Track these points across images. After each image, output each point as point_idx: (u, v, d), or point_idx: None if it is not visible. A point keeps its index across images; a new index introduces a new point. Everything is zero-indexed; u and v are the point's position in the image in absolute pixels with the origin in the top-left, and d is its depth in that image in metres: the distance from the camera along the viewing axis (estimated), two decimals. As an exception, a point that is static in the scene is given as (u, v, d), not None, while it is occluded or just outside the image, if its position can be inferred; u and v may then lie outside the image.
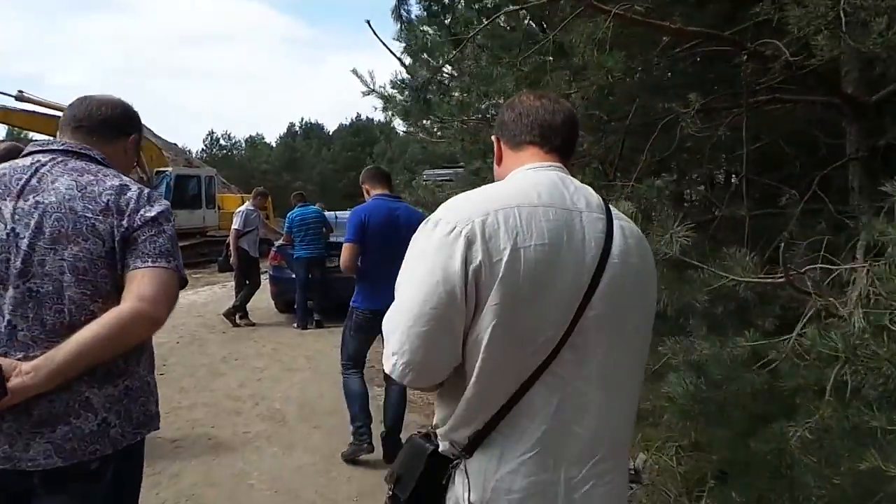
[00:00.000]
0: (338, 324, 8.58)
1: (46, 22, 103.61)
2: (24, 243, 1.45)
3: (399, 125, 11.60)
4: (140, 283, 1.48)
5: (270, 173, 47.93)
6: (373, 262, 3.76)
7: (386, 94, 7.83)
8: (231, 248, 8.45)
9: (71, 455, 1.45)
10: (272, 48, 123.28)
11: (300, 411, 5.02)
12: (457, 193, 1.42)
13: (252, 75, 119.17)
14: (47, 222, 1.46)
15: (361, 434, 3.88)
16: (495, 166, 1.47)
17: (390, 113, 9.49)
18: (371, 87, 7.68)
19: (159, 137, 24.32)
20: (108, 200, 1.51)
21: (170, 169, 17.67)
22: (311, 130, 62.43)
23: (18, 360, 1.41)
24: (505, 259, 1.12)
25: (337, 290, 8.63)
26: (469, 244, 1.12)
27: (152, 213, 1.54)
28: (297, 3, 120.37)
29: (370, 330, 3.87)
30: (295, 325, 8.37)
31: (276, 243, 9.17)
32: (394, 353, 1.17)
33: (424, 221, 1.24)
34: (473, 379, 1.16)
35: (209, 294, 11.32)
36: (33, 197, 1.49)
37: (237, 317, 8.50)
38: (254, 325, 8.53)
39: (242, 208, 8.63)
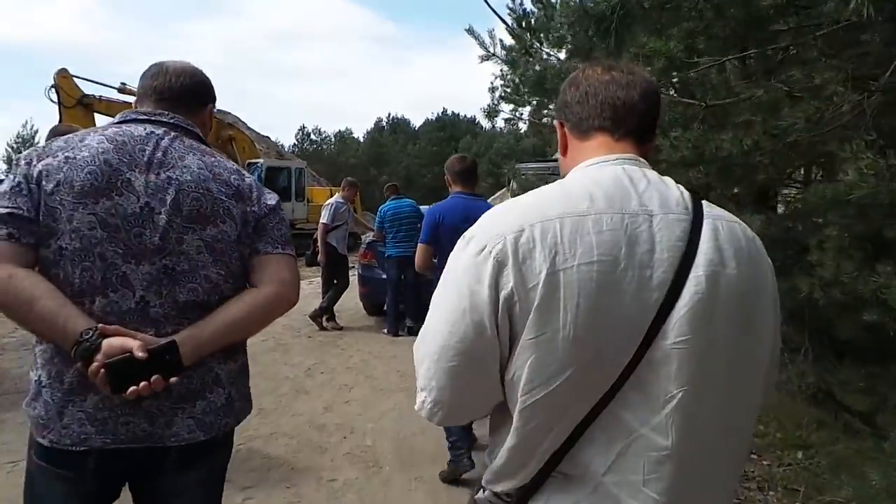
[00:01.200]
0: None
1: (156, 26, 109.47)
2: (161, 219, 1.39)
3: (504, 110, 10.46)
4: (278, 267, 1.50)
5: (358, 167, 48.06)
6: (445, 262, 2.94)
7: (510, 56, 6.71)
8: (318, 243, 7.63)
9: (210, 428, 1.46)
10: (359, 45, 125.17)
11: (397, 453, 4.02)
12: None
13: (341, 71, 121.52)
14: (185, 200, 1.42)
15: (458, 449, 3.50)
16: (560, 158, 1.20)
17: (513, 79, 8.31)
18: (490, 50, 6.61)
19: (252, 130, 24.35)
20: (238, 184, 1.50)
21: (261, 160, 17.45)
22: (398, 125, 62.59)
23: (151, 335, 1.37)
24: (541, 284, 0.92)
25: (431, 294, 7.65)
26: (499, 267, 0.94)
27: (274, 202, 1.56)
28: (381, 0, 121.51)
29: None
30: (385, 330, 7.46)
31: (366, 239, 8.29)
32: (421, 388, 1.03)
33: (464, 234, 1.03)
34: (515, 426, 0.97)
35: (296, 291, 10.66)
36: (164, 172, 1.42)
37: (324, 319, 7.69)
38: (341, 328, 7.69)
39: (331, 201, 7.78)
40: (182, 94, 1.56)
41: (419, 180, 51.63)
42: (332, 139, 59.30)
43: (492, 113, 8.86)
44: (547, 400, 0.94)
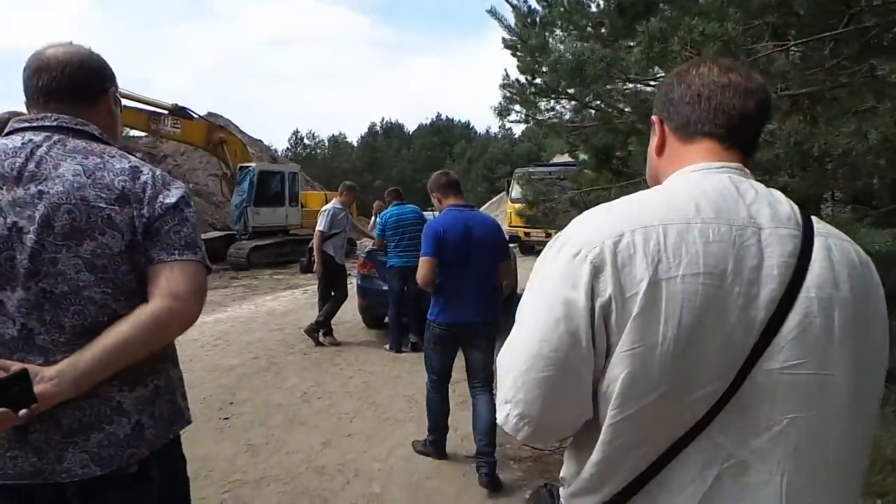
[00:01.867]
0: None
1: (151, 30, 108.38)
2: (29, 239, 1.26)
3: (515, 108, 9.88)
4: (170, 278, 1.32)
5: (352, 172, 47.44)
6: (449, 275, 3.57)
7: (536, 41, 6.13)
8: (315, 252, 7.00)
9: (109, 462, 1.32)
10: (353, 49, 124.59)
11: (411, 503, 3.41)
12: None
13: (334, 76, 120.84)
14: (56, 215, 1.26)
15: (436, 443, 3.96)
16: (651, 156, 1.11)
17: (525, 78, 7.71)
18: (510, 37, 6.04)
19: (245, 133, 23.69)
20: (123, 186, 1.32)
21: (253, 164, 16.79)
22: (392, 130, 62.19)
23: (39, 365, 1.25)
24: (641, 294, 0.86)
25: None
26: (596, 273, 0.89)
27: (173, 199, 1.35)
28: (377, 5, 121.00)
29: (451, 342, 3.73)
30: (387, 346, 6.84)
31: (366, 248, 7.68)
32: (506, 400, 0.95)
33: (552, 240, 0.98)
34: (601, 440, 0.92)
35: (290, 301, 10.01)
36: (35, 185, 1.28)
37: (320, 334, 7.06)
38: (339, 344, 7.06)
39: (328, 206, 7.16)
40: (72, 89, 1.38)
41: (413, 185, 51.06)
42: (326, 143, 58.75)
43: (504, 111, 8.33)
44: (638, 416, 0.89)
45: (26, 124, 1.36)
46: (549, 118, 10.19)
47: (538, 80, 9.56)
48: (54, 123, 1.36)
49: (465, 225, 3.58)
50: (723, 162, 1.01)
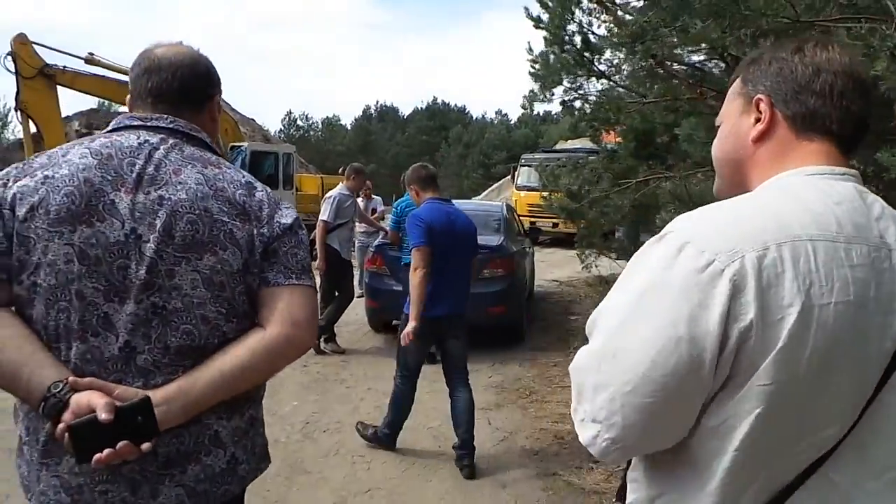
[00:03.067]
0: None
1: (139, 6, 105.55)
2: (149, 248, 1.16)
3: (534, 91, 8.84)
4: (290, 303, 1.24)
5: (346, 155, 46.17)
6: (436, 268, 3.50)
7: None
8: (317, 246, 5.96)
9: (204, 499, 1.23)
10: (347, 31, 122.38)
11: None
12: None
13: (328, 58, 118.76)
14: (178, 225, 1.17)
15: (389, 438, 3.83)
16: (739, 141, 0.94)
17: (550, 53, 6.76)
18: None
19: (236, 112, 22.44)
20: (244, 202, 1.23)
21: (245, 144, 15.69)
22: (386, 113, 60.84)
23: (137, 388, 1.14)
24: (790, 321, 0.74)
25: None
26: (736, 292, 0.75)
27: (289, 220, 1.28)
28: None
29: (431, 336, 3.70)
30: (399, 356, 5.84)
31: (376, 242, 6.63)
32: (595, 420, 0.83)
33: (658, 237, 0.83)
34: (716, 481, 0.79)
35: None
36: (155, 190, 1.18)
37: (321, 340, 6.04)
38: (343, 351, 6.05)
39: (333, 193, 6.09)
40: (183, 93, 1.29)
41: (405, 171, 49.89)
42: (320, 125, 57.28)
43: (534, 97, 7.43)
44: (761, 455, 0.79)
45: (139, 122, 1.26)
46: (573, 98, 9.17)
47: (566, 53, 8.49)
48: (170, 126, 1.26)
49: (448, 218, 3.60)
50: (843, 168, 0.88)
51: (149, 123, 1.25)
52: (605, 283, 9.92)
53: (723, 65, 4.95)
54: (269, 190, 1.32)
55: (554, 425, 4.22)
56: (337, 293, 6.09)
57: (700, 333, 0.75)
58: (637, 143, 6.89)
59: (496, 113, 64.27)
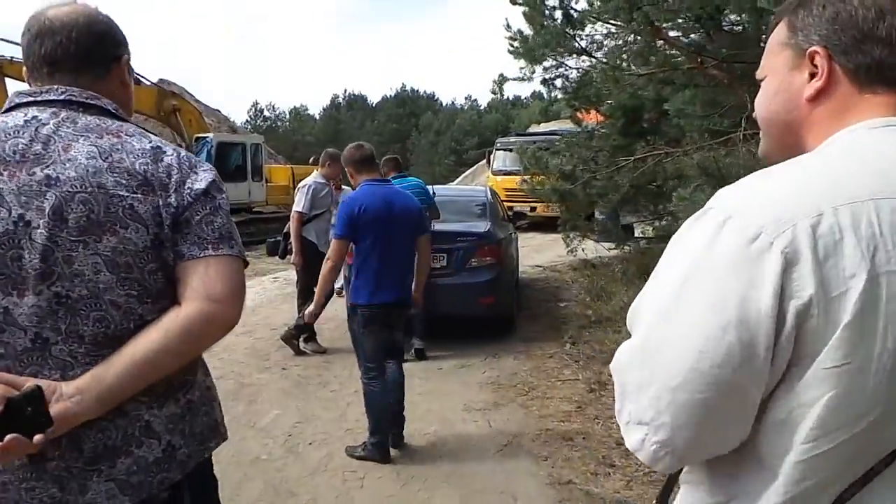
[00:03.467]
0: (447, 352, 5.78)
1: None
2: (40, 235, 1.07)
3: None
4: (205, 277, 1.14)
5: (315, 145, 45.25)
6: (377, 253, 3.41)
7: None
8: (292, 238, 5.51)
9: (138, 490, 1.16)
10: (313, 18, 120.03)
11: None
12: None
13: (293, 46, 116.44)
14: (70, 206, 1.07)
15: (380, 445, 3.43)
16: (791, 102, 0.82)
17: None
18: None
19: (200, 103, 21.57)
20: (146, 171, 1.12)
21: (211, 135, 15.01)
22: (355, 102, 59.91)
23: (55, 380, 1.08)
24: (856, 294, 0.65)
25: (445, 301, 5.73)
26: (788, 266, 0.66)
27: (203, 185, 1.16)
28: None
29: (384, 321, 3.49)
30: (385, 354, 5.44)
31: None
32: (642, 422, 0.74)
33: (698, 213, 0.75)
34: (788, 480, 0.70)
35: (258, 292, 8.41)
36: (41, 170, 1.09)
37: (300, 340, 5.61)
38: (324, 351, 5.63)
39: (308, 181, 5.63)
40: (80, 57, 1.16)
41: (379, 158, 49.23)
42: (287, 115, 56.13)
43: (503, 80, 7.17)
44: (838, 449, 0.69)
45: (28, 98, 1.15)
46: (554, 77, 8.79)
47: (545, 30, 8.12)
48: (62, 97, 1.15)
49: (385, 200, 3.46)
50: None
51: (38, 98, 1.14)
52: (591, 267, 9.67)
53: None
54: (182, 153, 1.19)
55: (560, 425, 3.89)
56: (314, 289, 5.65)
57: (752, 316, 0.67)
58: (626, 120, 6.57)
59: (466, 99, 63.77)
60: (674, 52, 4.94)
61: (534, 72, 8.67)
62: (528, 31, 8.29)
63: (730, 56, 4.28)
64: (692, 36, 5.46)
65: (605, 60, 8.29)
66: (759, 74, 0.88)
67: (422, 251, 3.68)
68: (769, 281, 0.66)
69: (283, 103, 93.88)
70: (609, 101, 8.17)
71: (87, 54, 1.17)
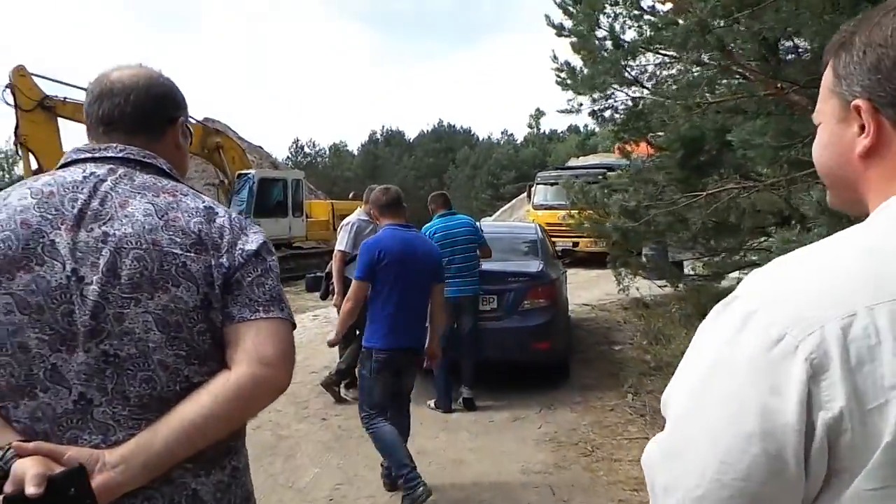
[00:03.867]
0: (498, 401, 5.36)
1: (133, 38, 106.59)
2: (92, 291, 1.05)
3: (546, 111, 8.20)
4: (256, 340, 1.12)
5: (354, 180, 45.77)
6: (392, 298, 3.38)
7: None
8: (334, 278, 5.21)
9: None
10: (350, 56, 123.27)
11: None
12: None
13: (333, 83, 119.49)
14: (123, 262, 1.07)
15: (413, 479, 3.21)
16: (843, 157, 0.73)
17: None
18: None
19: (243, 139, 21.91)
20: (200, 230, 1.12)
21: (253, 171, 15.07)
22: (392, 138, 60.61)
23: (94, 446, 1.03)
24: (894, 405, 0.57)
25: (496, 346, 5.33)
26: (816, 373, 0.59)
27: (254, 246, 1.16)
28: (369, 12, 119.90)
29: (394, 367, 3.47)
30: (431, 403, 5.04)
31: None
32: None
33: (726, 301, 0.69)
34: None
35: (297, 332, 8.12)
36: (99, 227, 1.08)
37: (342, 386, 5.27)
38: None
39: (352, 219, 5.36)
40: (138, 119, 1.19)
41: (416, 192, 49.53)
42: (327, 151, 57.14)
43: (539, 115, 6.70)
44: None
45: (87, 154, 1.17)
46: (603, 108, 8.45)
47: (601, 52, 7.79)
48: (119, 154, 1.16)
49: (405, 245, 3.45)
50: None
51: (97, 154, 1.16)
52: (643, 306, 9.15)
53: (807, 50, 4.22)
54: (233, 215, 1.19)
55: (634, 494, 3.42)
56: (357, 332, 5.32)
57: (777, 427, 0.59)
58: (685, 152, 6.15)
59: (502, 133, 63.99)
60: (743, 80, 4.54)
61: (581, 105, 8.41)
62: (574, 61, 8.04)
63: (809, 82, 3.87)
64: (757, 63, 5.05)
65: (662, 92, 7.95)
66: (815, 119, 0.79)
67: (436, 300, 3.59)
68: (794, 390, 0.59)
69: (322, 139, 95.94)
70: (661, 133, 7.79)
71: (143, 116, 1.19)
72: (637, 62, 7.33)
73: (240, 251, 1.13)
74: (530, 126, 57.19)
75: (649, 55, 7.64)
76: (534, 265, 5.60)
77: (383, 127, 64.34)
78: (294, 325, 1.20)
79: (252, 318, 1.12)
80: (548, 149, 47.29)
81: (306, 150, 55.57)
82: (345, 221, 5.37)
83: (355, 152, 59.45)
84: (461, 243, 4.97)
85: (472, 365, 5.04)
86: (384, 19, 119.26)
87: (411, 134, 61.89)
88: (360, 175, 49.41)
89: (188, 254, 1.09)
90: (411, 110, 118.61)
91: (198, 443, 1.07)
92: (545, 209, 16.06)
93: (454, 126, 60.41)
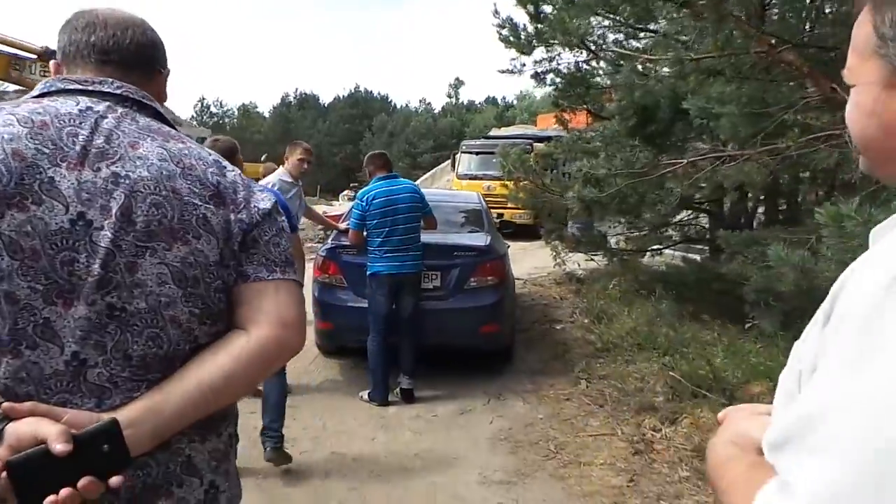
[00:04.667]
0: (439, 391, 4.74)
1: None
2: (103, 237, 0.95)
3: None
4: (278, 301, 1.06)
5: (265, 143, 43.29)
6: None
7: None
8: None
9: None
10: (262, 16, 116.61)
11: None
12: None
13: (243, 43, 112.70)
14: (140, 207, 0.97)
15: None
16: (879, 128, 0.65)
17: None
18: None
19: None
20: (218, 182, 1.05)
21: (151, 127, 13.41)
22: (306, 101, 57.97)
23: (88, 410, 0.94)
24: None
25: (438, 330, 4.65)
26: None
27: (268, 204, 1.10)
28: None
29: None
30: (365, 394, 4.34)
31: (326, 243, 5.06)
32: None
33: (891, 281, 0.52)
34: None
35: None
36: (107, 167, 0.98)
37: (258, 377, 4.44)
38: (289, 391, 4.46)
39: (271, 178, 4.47)
40: (134, 55, 1.10)
41: (331, 159, 47.82)
42: (236, 113, 53.77)
43: (457, 85, 5.99)
44: None
45: (77, 86, 1.04)
46: (545, 70, 7.88)
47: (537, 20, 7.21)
48: (118, 91, 1.05)
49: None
50: None
51: (90, 87, 1.04)
52: (576, 281, 8.81)
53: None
54: (239, 171, 1.12)
55: (616, 510, 2.89)
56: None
57: None
58: (637, 120, 5.69)
59: (420, 101, 62.80)
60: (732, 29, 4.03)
61: (524, 65, 7.79)
62: (518, 17, 7.39)
63: (814, 39, 3.42)
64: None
65: (604, 55, 7.45)
66: (846, 78, 0.69)
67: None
68: None
69: (231, 100, 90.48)
70: (611, 99, 7.32)
71: (139, 54, 1.11)
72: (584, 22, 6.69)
73: (255, 208, 1.07)
74: (449, 96, 56.35)
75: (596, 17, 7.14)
76: (480, 238, 4.97)
77: (297, 90, 61.45)
78: (301, 287, 1.14)
79: (269, 278, 1.06)
80: (466, 119, 46.72)
81: (213, 109, 52.11)
82: (264, 181, 4.47)
83: (266, 115, 56.40)
84: (403, 212, 4.24)
85: (412, 350, 4.37)
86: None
87: (326, 98, 59.54)
88: (271, 138, 46.94)
89: (208, 205, 1.02)
90: (326, 75, 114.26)
91: (209, 408, 1.00)
92: (470, 179, 15.51)
93: (371, 92, 58.61)
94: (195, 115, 49.90)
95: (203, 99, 52.15)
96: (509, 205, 11.91)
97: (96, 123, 0.99)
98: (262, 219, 1.07)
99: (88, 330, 0.94)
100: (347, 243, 4.50)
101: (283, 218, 1.13)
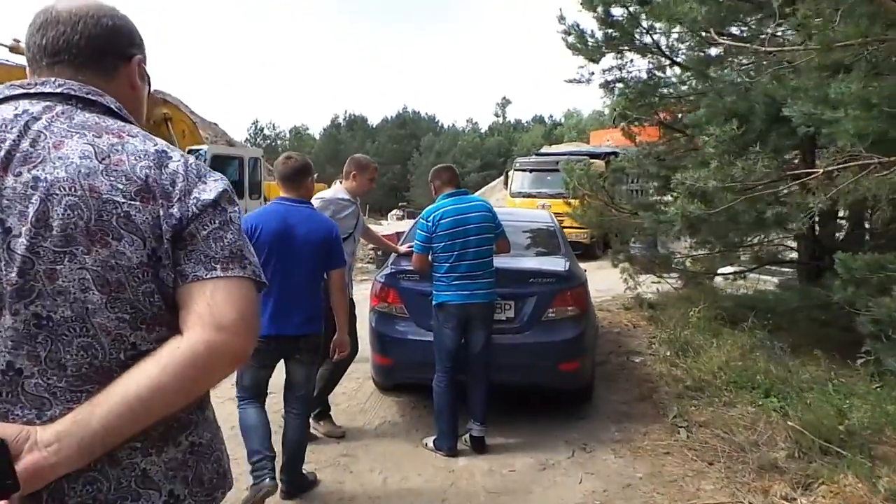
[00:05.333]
0: (513, 438, 4.09)
1: None
2: (19, 245, 0.92)
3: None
4: (212, 301, 0.98)
5: (315, 164, 43.70)
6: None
7: None
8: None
9: None
10: (314, 40, 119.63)
11: None
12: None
13: (295, 66, 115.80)
14: (55, 211, 0.93)
15: (262, 468, 2.86)
16: None
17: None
18: None
19: (195, 114, 19.99)
20: (147, 176, 0.99)
21: (205, 147, 13.42)
22: (355, 122, 58.66)
23: (27, 423, 0.91)
24: None
25: (512, 367, 3.93)
26: None
27: (212, 195, 1.02)
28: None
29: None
30: (429, 441, 3.76)
31: (385, 267, 4.53)
32: None
33: None
34: None
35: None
36: (28, 171, 0.95)
37: (311, 418, 3.92)
38: (342, 435, 3.94)
39: (327, 194, 4.00)
40: (86, 49, 1.05)
41: (379, 179, 47.80)
42: (287, 134, 54.86)
43: (504, 104, 5.44)
44: None
45: (20, 90, 1.03)
46: (615, 79, 7.23)
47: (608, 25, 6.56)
48: (58, 90, 1.03)
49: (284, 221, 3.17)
50: None
51: (31, 90, 1.02)
52: (648, 307, 8.06)
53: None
54: (190, 160, 1.03)
55: None
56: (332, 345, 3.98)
57: None
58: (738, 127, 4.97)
59: (467, 121, 62.80)
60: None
61: (592, 73, 7.19)
62: (585, 23, 6.80)
63: None
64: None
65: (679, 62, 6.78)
66: None
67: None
68: None
69: (283, 123, 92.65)
70: (691, 107, 6.64)
71: (92, 48, 1.06)
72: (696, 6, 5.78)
73: (194, 200, 0.99)
74: (496, 115, 56.08)
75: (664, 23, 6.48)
76: (559, 263, 4.34)
77: (346, 112, 62.46)
78: (262, 284, 1.04)
79: (207, 276, 0.98)
80: (513, 137, 46.22)
81: (266, 132, 53.32)
82: (318, 194, 3.97)
83: (317, 136, 57.34)
84: (474, 233, 3.67)
85: (484, 392, 3.76)
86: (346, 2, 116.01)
87: (374, 120, 60.23)
88: (322, 159, 47.53)
89: (132, 202, 0.96)
90: (375, 96, 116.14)
91: (144, 418, 0.94)
92: (524, 197, 14.88)
93: (418, 112, 58.91)
94: (249, 138, 51.13)
95: (257, 122, 53.58)
96: (565, 223, 11.29)
97: (26, 126, 0.96)
98: (201, 211, 0.99)
99: (18, 340, 0.92)
100: (409, 268, 3.95)
101: (235, 209, 1.03)
